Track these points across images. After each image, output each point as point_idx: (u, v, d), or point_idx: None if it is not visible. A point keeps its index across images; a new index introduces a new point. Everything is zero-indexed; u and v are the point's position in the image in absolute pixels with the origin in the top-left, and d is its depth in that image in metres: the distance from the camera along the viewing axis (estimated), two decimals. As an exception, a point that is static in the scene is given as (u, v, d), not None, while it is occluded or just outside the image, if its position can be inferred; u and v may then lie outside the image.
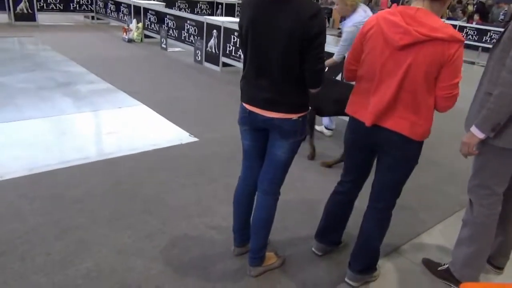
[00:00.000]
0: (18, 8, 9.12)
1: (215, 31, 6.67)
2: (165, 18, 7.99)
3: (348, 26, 3.60)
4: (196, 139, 3.88)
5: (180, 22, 7.63)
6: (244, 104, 1.94)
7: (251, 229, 2.11)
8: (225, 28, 6.48)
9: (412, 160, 1.92)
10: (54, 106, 4.44)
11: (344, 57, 3.74)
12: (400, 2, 15.65)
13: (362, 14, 3.57)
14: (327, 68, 3.59)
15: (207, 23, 6.85)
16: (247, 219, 2.20)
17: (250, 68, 1.86)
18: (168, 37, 7.94)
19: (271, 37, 1.73)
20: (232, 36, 6.35)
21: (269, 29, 1.72)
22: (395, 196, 2.03)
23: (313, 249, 2.40)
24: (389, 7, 15.79)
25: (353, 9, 3.57)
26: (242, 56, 2.21)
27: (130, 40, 8.46)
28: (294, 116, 1.85)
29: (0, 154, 3.25)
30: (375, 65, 1.81)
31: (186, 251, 2.32)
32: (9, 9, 9.12)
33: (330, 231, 2.35)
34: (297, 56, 1.73)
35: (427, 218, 2.95)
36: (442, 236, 2.75)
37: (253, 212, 2.11)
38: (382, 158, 1.97)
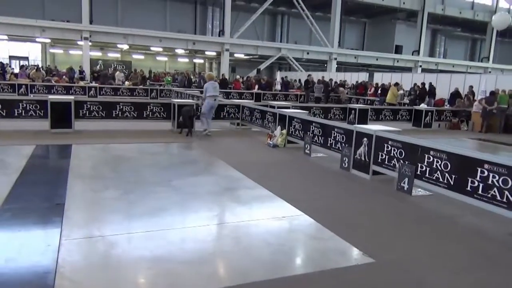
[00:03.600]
0: (180, 117, 10.58)
1: (365, 139, 6.63)
2: (311, 126, 8.33)
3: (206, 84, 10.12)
4: (372, 260, 3.55)
5: (326, 129, 7.85)
6: None
7: None
8: (377, 137, 6.40)
9: None
10: (225, 211, 4.66)
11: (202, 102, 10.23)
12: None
13: (212, 82, 10.06)
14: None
15: (357, 131, 6.88)
16: None
17: None
18: (312, 143, 8.17)
19: None
20: (386, 144, 6.19)
21: None
22: None
23: None
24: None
25: (210, 80, 10.29)
26: None
27: (275, 146, 8.94)
28: None
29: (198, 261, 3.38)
30: None
31: None
32: (174, 119, 10.64)
33: None
34: None
35: None
36: None
37: None
38: None
